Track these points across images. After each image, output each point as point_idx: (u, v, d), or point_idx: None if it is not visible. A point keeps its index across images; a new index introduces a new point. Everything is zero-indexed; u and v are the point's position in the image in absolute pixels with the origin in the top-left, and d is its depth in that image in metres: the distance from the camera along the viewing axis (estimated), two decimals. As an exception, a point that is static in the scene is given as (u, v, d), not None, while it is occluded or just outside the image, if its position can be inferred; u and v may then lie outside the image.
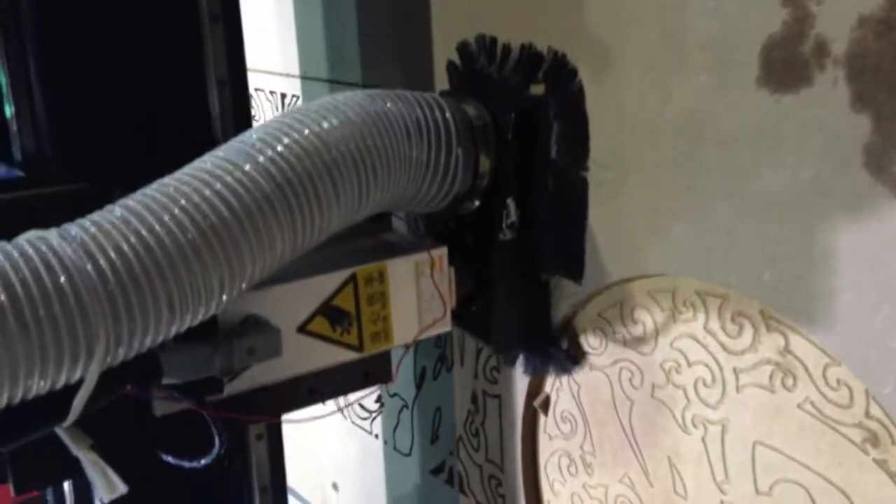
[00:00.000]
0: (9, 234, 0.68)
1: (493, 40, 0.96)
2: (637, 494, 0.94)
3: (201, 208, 0.70)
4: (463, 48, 1.00)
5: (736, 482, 0.84)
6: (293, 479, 1.32)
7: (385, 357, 0.95)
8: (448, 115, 0.89)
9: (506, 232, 0.92)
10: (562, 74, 0.89)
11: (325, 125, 0.80)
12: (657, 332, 0.89)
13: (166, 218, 0.69)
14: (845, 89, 0.68)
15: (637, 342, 0.91)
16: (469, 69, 1.00)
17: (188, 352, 0.75)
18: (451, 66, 1.02)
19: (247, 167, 0.74)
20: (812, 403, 0.76)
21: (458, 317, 0.95)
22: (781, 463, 0.79)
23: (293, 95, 1.41)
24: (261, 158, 0.75)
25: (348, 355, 0.88)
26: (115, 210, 0.69)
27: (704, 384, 0.85)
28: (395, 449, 1.38)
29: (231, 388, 0.80)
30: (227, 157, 0.74)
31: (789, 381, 0.78)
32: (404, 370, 1.27)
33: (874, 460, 0.72)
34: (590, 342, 0.96)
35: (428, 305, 0.92)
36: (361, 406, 1.43)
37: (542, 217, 0.93)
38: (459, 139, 0.89)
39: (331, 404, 1.07)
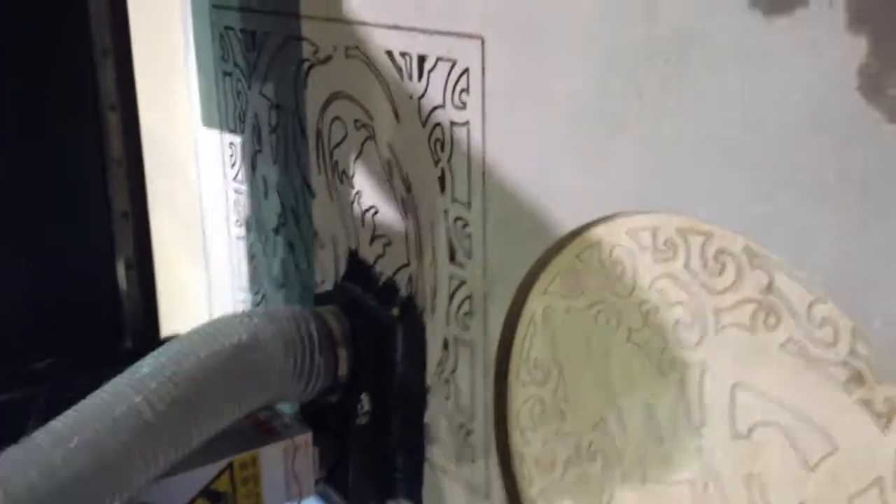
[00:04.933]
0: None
1: (369, 268, 1.20)
2: (611, 440, 0.91)
3: (92, 441, 0.88)
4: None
5: (713, 426, 0.81)
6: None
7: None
8: (314, 328, 1.13)
9: (361, 418, 1.17)
10: (411, 308, 1.13)
11: (206, 353, 1.00)
12: (636, 273, 0.86)
13: (62, 452, 0.86)
14: (842, 9, 0.65)
15: (615, 284, 0.88)
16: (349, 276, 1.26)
17: None
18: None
19: (137, 399, 0.92)
20: (795, 343, 0.73)
21: (328, 479, 1.23)
22: (761, 405, 0.77)
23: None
24: (146, 391, 0.93)
25: (227, 527, 1.11)
26: (25, 443, 0.88)
27: (683, 326, 0.82)
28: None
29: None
30: (116, 392, 0.94)
31: (772, 321, 0.75)
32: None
33: (858, 400, 0.70)
34: (567, 286, 0.93)
35: (293, 481, 1.15)
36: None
37: (390, 406, 1.18)
38: (322, 350, 1.13)
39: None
